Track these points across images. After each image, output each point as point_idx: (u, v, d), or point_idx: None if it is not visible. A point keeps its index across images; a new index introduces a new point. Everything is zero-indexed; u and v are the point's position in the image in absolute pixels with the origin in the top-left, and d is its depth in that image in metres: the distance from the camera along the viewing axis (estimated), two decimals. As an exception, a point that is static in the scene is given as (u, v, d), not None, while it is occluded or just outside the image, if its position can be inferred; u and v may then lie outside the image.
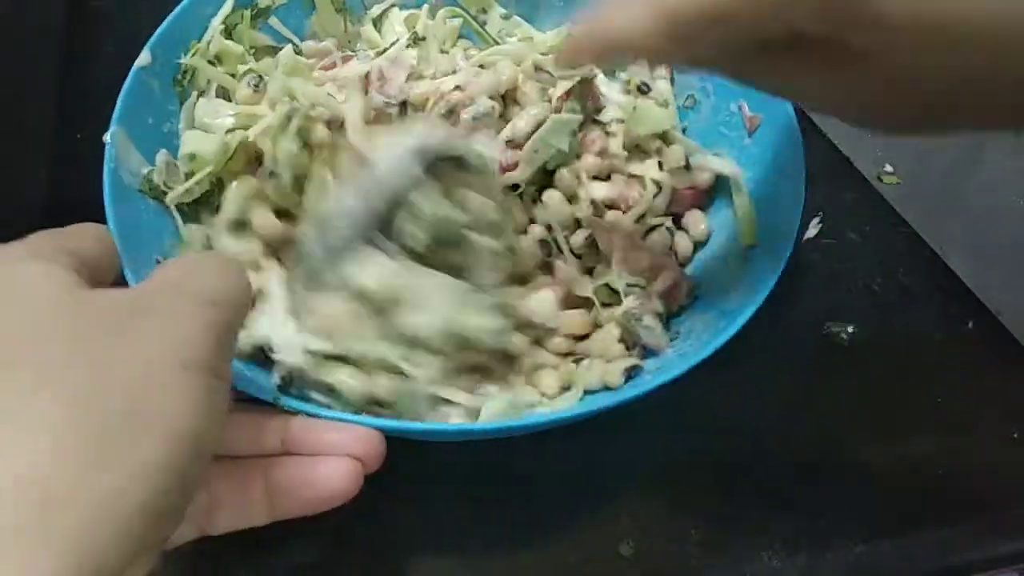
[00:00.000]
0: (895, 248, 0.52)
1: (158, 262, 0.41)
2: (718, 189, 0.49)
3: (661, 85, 0.51)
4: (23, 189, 0.49)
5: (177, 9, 0.46)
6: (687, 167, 0.48)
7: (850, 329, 0.49)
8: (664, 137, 0.49)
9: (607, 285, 0.43)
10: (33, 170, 0.50)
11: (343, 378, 0.38)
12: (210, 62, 0.46)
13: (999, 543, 0.43)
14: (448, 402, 0.39)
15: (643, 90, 0.50)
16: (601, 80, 0.49)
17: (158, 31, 0.45)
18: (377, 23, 0.51)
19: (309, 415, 0.36)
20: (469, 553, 0.42)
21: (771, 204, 0.45)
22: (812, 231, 0.52)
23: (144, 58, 0.44)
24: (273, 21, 0.50)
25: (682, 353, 0.42)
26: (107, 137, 0.41)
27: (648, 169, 0.47)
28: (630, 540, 0.42)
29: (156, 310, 0.28)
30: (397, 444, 0.43)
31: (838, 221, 0.52)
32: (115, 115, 0.42)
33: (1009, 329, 0.49)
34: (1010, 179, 0.55)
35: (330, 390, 0.38)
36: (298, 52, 0.49)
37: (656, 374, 0.40)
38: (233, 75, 0.47)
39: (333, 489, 0.34)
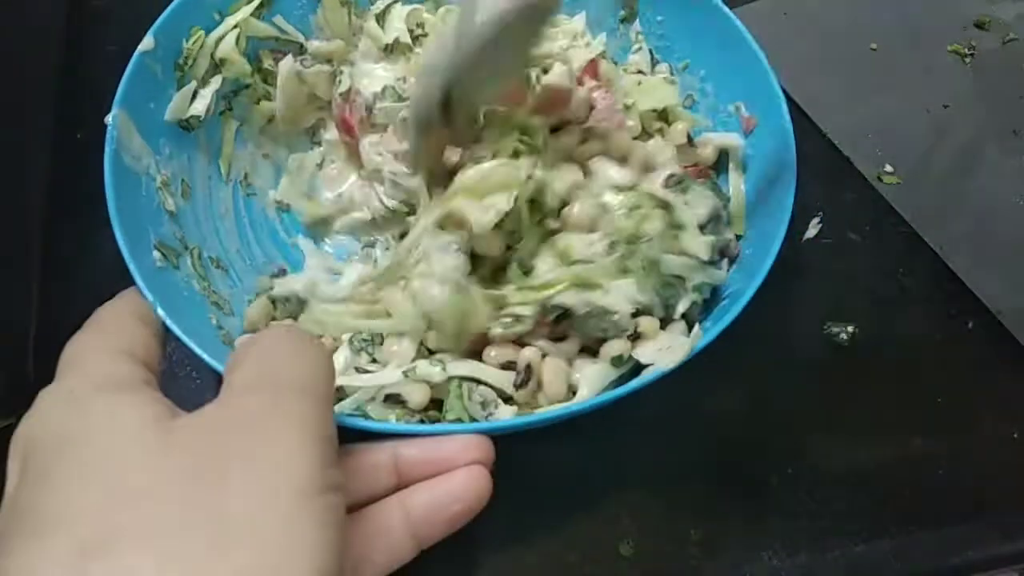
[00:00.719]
0: (895, 248, 0.52)
1: (156, 248, 0.41)
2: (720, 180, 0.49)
3: (661, 67, 0.52)
4: (23, 188, 0.49)
5: None
6: (690, 143, 0.48)
7: (850, 329, 0.49)
8: (665, 117, 0.49)
9: None
10: (33, 170, 0.50)
11: (409, 390, 0.39)
12: (212, 56, 0.46)
13: (999, 543, 0.43)
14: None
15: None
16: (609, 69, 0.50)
17: (162, 16, 0.44)
18: (380, 19, 0.51)
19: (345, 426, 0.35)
20: (469, 552, 0.42)
21: (761, 206, 0.45)
22: (812, 231, 0.52)
23: (147, 43, 0.43)
24: (278, 20, 0.49)
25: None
26: (108, 119, 0.41)
27: (660, 148, 0.47)
28: (630, 540, 0.42)
29: (254, 429, 0.26)
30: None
31: (838, 221, 0.52)
32: (116, 97, 0.42)
33: (1009, 329, 0.49)
34: (1010, 179, 0.55)
35: (398, 401, 0.39)
36: (303, 51, 0.50)
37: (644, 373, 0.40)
38: (236, 80, 0.47)
39: (478, 497, 0.33)
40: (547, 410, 0.39)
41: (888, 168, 0.55)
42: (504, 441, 0.43)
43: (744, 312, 0.39)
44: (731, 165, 0.48)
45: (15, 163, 0.50)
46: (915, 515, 0.43)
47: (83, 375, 0.29)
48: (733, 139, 0.48)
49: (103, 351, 0.30)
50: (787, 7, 0.62)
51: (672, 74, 0.51)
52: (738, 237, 0.46)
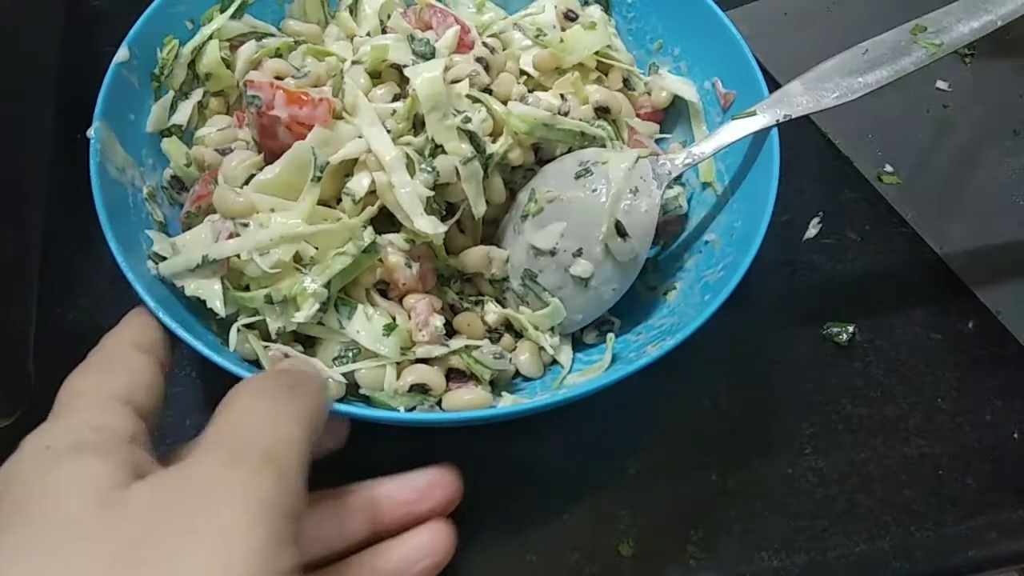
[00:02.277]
0: (895, 248, 0.52)
1: (150, 258, 0.41)
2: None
3: (591, 10, 0.51)
4: (23, 189, 0.49)
5: (154, 4, 0.45)
6: (630, 87, 0.49)
7: (850, 329, 0.49)
8: (602, 65, 0.49)
9: None
10: (33, 170, 0.50)
11: (430, 377, 0.41)
12: (191, 66, 0.46)
13: (999, 543, 0.43)
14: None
15: (570, 17, 0.50)
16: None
17: (135, 27, 0.44)
18: (352, 9, 0.50)
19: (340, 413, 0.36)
20: (470, 552, 0.42)
21: (748, 180, 0.45)
22: (812, 231, 0.52)
23: (122, 54, 0.43)
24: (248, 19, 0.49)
25: (666, 329, 0.42)
26: (90, 132, 0.41)
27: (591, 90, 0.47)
28: (630, 540, 0.42)
29: (205, 502, 0.25)
30: (401, 442, 0.43)
31: (838, 221, 0.53)
32: (96, 110, 0.42)
33: (1009, 329, 0.49)
34: (1009, 179, 0.55)
35: (423, 391, 0.41)
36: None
37: (633, 357, 0.41)
38: (220, 92, 0.47)
39: (446, 550, 0.34)
40: (569, 389, 0.39)
41: (888, 168, 0.55)
42: (504, 441, 0.43)
43: (742, 282, 0.39)
44: (691, 113, 0.49)
45: (15, 163, 0.50)
46: (915, 515, 0.43)
47: (65, 428, 0.28)
48: (685, 85, 0.48)
49: (97, 397, 0.30)
50: (787, 7, 0.62)
51: (607, 11, 0.51)
52: (707, 185, 0.47)
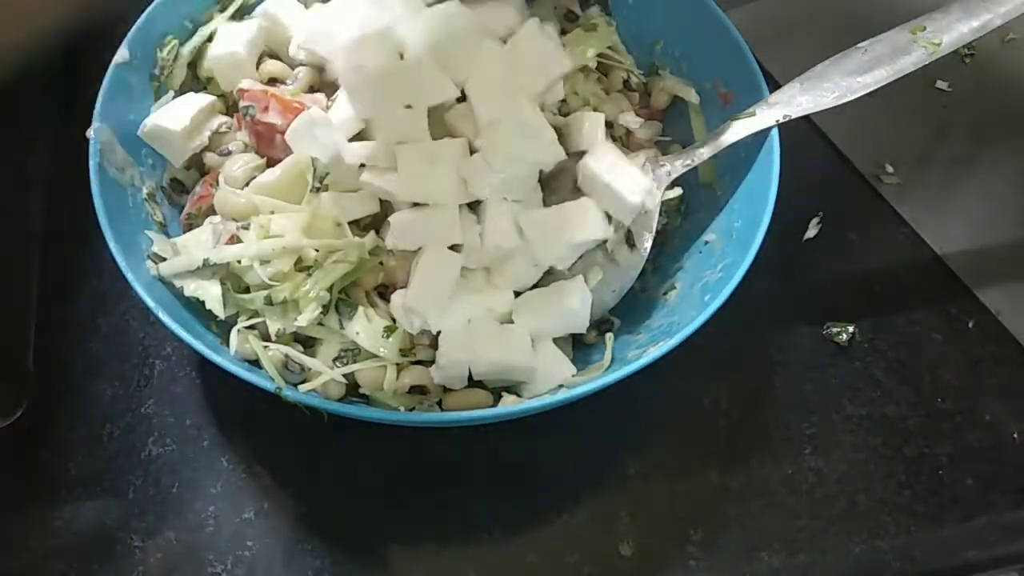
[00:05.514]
0: (895, 248, 0.52)
1: (149, 258, 0.41)
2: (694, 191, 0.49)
3: (592, 12, 0.50)
4: (24, 189, 0.49)
5: (153, 5, 0.45)
6: (628, 88, 0.49)
7: (850, 329, 0.49)
8: (603, 66, 0.49)
9: None
10: (33, 170, 0.50)
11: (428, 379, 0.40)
12: (190, 67, 0.46)
13: (999, 543, 0.43)
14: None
15: (571, 18, 0.50)
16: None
17: (134, 27, 0.44)
18: None
19: (307, 405, 0.36)
20: (471, 551, 0.42)
21: (748, 180, 0.45)
22: (812, 231, 0.52)
23: (122, 54, 0.43)
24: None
25: (665, 329, 0.42)
26: (90, 132, 0.41)
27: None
28: (630, 540, 0.42)
29: None
30: (400, 443, 0.44)
31: (838, 221, 0.52)
32: (96, 111, 0.42)
33: (1009, 329, 0.49)
34: (1010, 179, 0.55)
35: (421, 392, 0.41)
36: None
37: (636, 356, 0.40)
38: (222, 95, 0.47)
39: None
40: (569, 389, 0.39)
41: (888, 168, 0.55)
42: (505, 441, 0.43)
43: (742, 283, 0.39)
44: (691, 113, 0.49)
45: (16, 163, 0.50)
46: (915, 515, 0.43)
47: None
48: (685, 85, 0.49)
49: None
50: (787, 6, 0.62)
51: (607, 12, 0.51)
52: (707, 185, 0.47)
